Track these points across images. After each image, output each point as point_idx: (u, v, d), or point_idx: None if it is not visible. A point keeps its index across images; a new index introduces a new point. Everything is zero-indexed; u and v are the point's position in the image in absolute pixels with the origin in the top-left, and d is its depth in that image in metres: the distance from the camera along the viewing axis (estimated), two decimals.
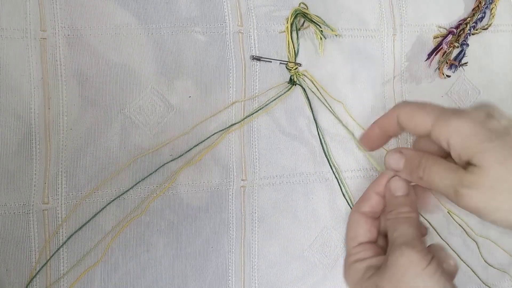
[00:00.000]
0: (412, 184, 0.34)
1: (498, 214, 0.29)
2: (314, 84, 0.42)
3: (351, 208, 0.42)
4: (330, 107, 0.42)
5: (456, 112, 0.30)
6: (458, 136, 0.29)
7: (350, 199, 0.43)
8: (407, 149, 0.33)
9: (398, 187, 0.34)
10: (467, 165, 0.29)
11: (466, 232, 0.46)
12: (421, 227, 0.32)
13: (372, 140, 0.34)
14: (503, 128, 0.30)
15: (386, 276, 0.28)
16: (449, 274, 0.30)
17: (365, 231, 0.33)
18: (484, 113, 0.30)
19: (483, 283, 0.46)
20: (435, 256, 0.29)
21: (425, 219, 0.44)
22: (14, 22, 0.36)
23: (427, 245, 0.32)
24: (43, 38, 0.36)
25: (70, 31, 0.37)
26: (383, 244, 0.34)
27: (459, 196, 0.29)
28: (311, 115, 0.42)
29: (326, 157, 0.42)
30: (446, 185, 0.30)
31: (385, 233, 0.34)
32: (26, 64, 0.36)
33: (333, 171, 0.42)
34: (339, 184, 0.42)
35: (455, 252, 0.44)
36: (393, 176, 0.34)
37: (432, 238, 0.45)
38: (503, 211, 0.29)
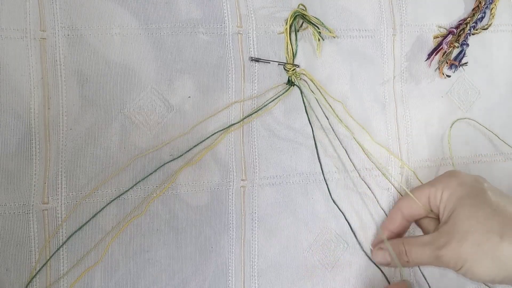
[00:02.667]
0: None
1: (468, 265, 0.33)
2: (314, 84, 0.42)
3: (341, 211, 0.42)
4: (330, 106, 0.42)
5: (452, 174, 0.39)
6: (447, 190, 0.37)
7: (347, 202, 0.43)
8: (387, 242, 0.38)
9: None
10: (442, 224, 0.36)
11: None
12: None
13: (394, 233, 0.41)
14: (481, 188, 0.36)
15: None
16: None
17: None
18: (472, 177, 0.38)
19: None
20: None
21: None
22: (13, 22, 0.36)
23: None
24: (43, 38, 0.36)
25: (70, 31, 0.37)
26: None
27: (439, 259, 0.34)
28: (307, 118, 0.42)
29: (319, 159, 0.42)
30: (428, 257, 0.35)
31: None
32: (26, 64, 0.36)
33: (322, 173, 0.42)
34: (328, 188, 0.42)
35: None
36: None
37: None
38: (471, 262, 0.33)
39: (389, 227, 0.40)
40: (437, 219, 0.39)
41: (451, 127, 0.46)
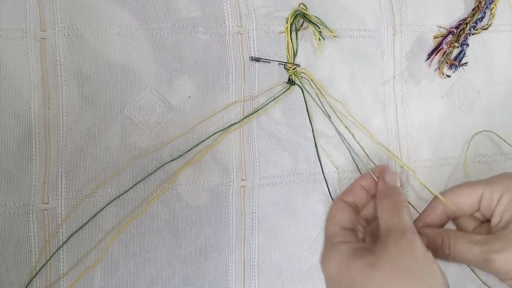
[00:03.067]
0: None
1: None
2: (314, 83, 0.42)
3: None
4: (330, 106, 0.42)
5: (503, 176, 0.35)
6: (508, 194, 0.33)
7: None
8: (427, 229, 0.35)
9: (394, 179, 0.36)
10: (499, 228, 0.33)
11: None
12: None
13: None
14: None
15: (383, 255, 0.29)
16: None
17: (348, 218, 0.34)
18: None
19: (483, 283, 0.46)
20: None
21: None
22: (14, 22, 0.36)
23: None
24: (43, 38, 0.36)
25: (70, 31, 0.37)
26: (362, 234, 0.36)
27: (489, 262, 0.31)
28: (308, 117, 0.42)
29: (319, 159, 0.42)
30: (476, 256, 0.32)
31: (366, 223, 0.36)
32: (26, 64, 0.36)
33: (322, 173, 0.42)
34: (327, 185, 0.42)
35: None
36: (389, 170, 0.36)
37: None
38: None
39: (425, 219, 0.37)
40: (480, 220, 0.37)
41: (469, 142, 0.47)
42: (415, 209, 0.45)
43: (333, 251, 0.32)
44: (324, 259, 0.32)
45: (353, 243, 0.32)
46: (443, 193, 0.37)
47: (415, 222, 0.37)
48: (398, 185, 0.36)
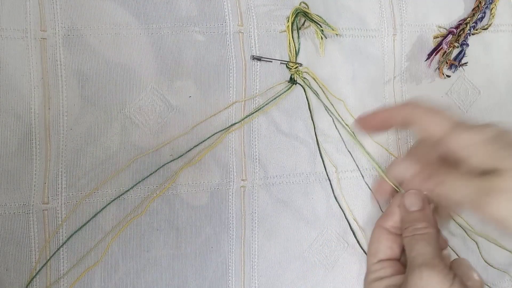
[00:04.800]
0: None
1: None
2: (316, 82, 0.42)
3: (342, 210, 0.42)
4: (332, 105, 0.42)
5: (474, 124, 0.29)
6: (481, 143, 0.27)
7: (345, 202, 0.43)
8: (415, 161, 0.32)
9: (413, 202, 0.32)
10: (484, 174, 0.27)
11: (466, 232, 0.45)
12: (440, 240, 0.31)
13: (370, 124, 0.33)
14: None
15: None
16: None
17: (386, 247, 0.32)
18: (498, 128, 0.29)
19: (483, 283, 0.46)
20: (457, 274, 0.28)
21: None
22: (14, 22, 0.36)
23: (450, 260, 0.31)
24: (43, 38, 0.36)
25: (70, 31, 0.37)
26: (405, 261, 0.32)
27: (484, 204, 0.27)
28: (310, 115, 0.42)
29: (321, 157, 0.42)
30: (468, 194, 0.27)
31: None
32: (26, 64, 0.36)
33: (326, 173, 0.42)
34: (331, 186, 0.42)
35: (455, 252, 0.44)
36: (408, 190, 0.32)
37: None
38: None
39: (386, 111, 0.33)
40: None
41: None
42: None
43: None
44: None
45: (388, 278, 0.30)
46: (419, 101, 0.32)
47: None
48: (418, 208, 0.32)
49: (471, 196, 0.27)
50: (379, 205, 0.41)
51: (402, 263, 0.32)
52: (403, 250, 0.32)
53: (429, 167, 0.31)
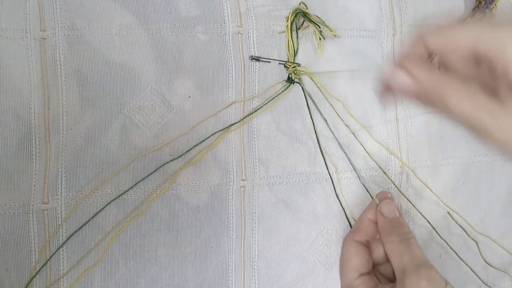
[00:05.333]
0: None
1: None
2: (314, 82, 0.42)
3: (343, 209, 0.42)
4: (331, 105, 0.42)
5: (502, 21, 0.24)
6: None
7: (345, 202, 0.43)
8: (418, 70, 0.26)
9: (391, 210, 0.33)
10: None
11: (466, 232, 0.46)
12: None
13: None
14: None
15: None
16: None
17: (364, 260, 0.32)
18: None
19: (483, 283, 0.46)
20: None
21: (425, 219, 0.44)
22: (14, 22, 0.36)
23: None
24: (43, 38, 0.36)
25: (70, 31, 0.37)
26: (377, 272, 0.33)
27: (485, 122, 0.23)
28: (309, 114, 0.42)
29: (323, 156, 0.42)
30: (470, 107, 0.23)
31: (379, 260, 0.33)
32: (26, 64, 0.36)
33: (328, 171, 0.42)
34: (333, 185, 0.42)
35: (455, 252, 0.44)
36: (383, 200, 0.34)
37: (432, 238, 0.45)
38: None
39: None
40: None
41: None
42: (416, 209, 0.45)
43: None
44: None
45: None
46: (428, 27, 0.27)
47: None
48: (397, 215, 0.32)
49: (477, 116, 0.23)
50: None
51: (375, 274, 0.32)
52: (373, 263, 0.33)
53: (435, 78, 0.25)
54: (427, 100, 0.25)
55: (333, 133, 0.42)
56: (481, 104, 0.23)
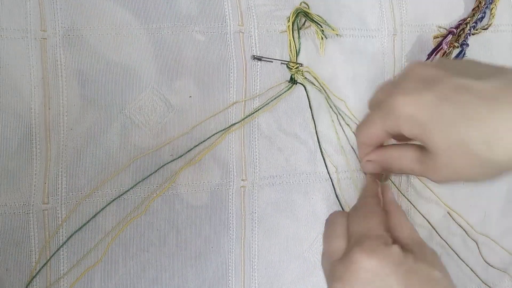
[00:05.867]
0: None
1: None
2: (317, 81, 0.42)
3: (343, 209, 0.42)
4: (333, 104, 0.42)
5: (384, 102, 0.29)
6: (407, 124, 0.27)
7: (345, 202, 0.43)
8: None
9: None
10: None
11: (466, 232, 0.46)
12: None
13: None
14: (431, 78, 0.27)
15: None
16: None
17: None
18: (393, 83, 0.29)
19: (483, 283, 0.46)
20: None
21: (425, 219, 0.44)
22: (14, 22, 0.36)
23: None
24: (43, 38, 0.36)
25: (70, 31, 0.37)
26: None
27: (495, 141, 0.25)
28: (311, 114, 0.42)
29: (323, 157, 0.42)
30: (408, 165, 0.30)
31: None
32: (27, 64, 0.36)
33: (328, 171, 0.42)
34: (333, 185, 0.42)
35: (455, 252, 0.44)
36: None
37: (432, 238, 0.45)
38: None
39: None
40: None
41: None
42: (416, 209, 0.45)
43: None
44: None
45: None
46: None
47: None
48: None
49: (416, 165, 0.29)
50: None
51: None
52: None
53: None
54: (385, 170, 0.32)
55: (349, 126, 0.42)
56: (414, 160, 0.29)
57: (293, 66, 0.41)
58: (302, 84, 0.41)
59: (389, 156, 0.31)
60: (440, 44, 0.45)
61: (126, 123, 0.38)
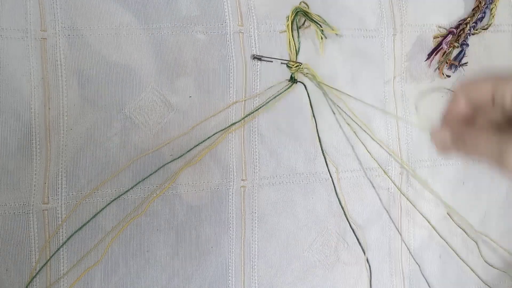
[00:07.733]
0: None
1: None
2: (317, 80, 0.42)
3: (343, 209, 0.42)
4: (333, 103, 0.42)
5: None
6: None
7: (345, 202, 0.43)
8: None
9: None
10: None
11: (466, 232, 0.46)
12: None
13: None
14: None
15: None
16: None
17: None
18: None
19: (483, 283, 0.46)
20: None
21: (425, 219, 0.44)
22: (14, 22, 0.36)
23: None
24: (44, 38, 0.36)
25: (70, 31, 0.37)
26: None
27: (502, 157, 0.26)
28: (311, 114, 0.42)
29: (324, 156, 0.42)
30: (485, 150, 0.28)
31: None
32: (27, 64, 0.36)
33: (329, 171, 0.42)
34: (333, 184, 0.42)
35: (455, 252, 0.44)
36: None
37: (432, 238, 0.45)
38: None
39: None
40: None
41: None
42: (416, 209, 0.45)
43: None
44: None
45: None
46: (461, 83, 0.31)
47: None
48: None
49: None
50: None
51: None
52: None
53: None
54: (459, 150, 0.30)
55: (349, 125, 0.42)
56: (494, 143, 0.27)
57: (293, 65, 0.41)
58: (302, 83, 0.41)
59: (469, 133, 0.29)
60: (440, 44, 0.45)
61: (126, 123, 0.38)
